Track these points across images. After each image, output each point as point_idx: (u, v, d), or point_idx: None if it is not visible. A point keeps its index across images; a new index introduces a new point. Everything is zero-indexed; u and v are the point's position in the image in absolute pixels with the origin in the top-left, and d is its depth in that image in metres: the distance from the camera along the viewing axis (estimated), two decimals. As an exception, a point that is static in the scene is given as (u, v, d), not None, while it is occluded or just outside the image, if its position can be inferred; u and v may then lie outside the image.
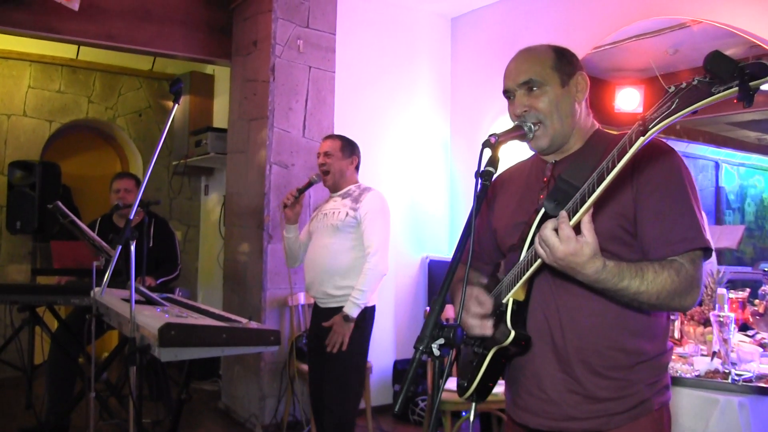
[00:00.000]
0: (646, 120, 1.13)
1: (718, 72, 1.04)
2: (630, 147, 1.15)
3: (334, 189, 3.43)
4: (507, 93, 1.63)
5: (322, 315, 3.30)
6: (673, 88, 1.12)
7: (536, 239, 1.34)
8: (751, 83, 1.01)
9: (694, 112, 1.09)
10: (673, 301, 1.40)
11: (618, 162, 1.18)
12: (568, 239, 1.27)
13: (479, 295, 1.56)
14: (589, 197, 1.25)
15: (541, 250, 1.33)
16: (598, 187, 1.23)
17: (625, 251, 1.47)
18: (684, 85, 1.10)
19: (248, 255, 4.63)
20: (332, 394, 3.23)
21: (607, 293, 1.40)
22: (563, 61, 1.61)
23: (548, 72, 1.58)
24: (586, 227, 1.28)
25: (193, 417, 4.68)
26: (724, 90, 1.04)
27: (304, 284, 3.53)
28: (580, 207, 1.27)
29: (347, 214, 3.26)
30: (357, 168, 3.49)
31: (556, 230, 1.29)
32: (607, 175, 1.20)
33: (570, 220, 1.29)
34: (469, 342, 1.60)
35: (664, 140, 1.49)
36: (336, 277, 3.25)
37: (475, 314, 1.54)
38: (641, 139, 1.14)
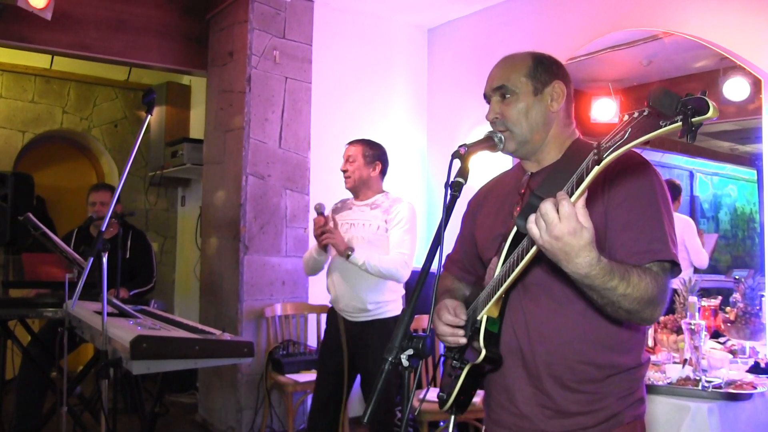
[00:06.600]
0: (601, 150, 1.10)
1: (662, 109, 1.04)
2: (586, 176, 1.13)
3: (356, 195, 3.35)
4: (486, 97, 1.66)
5: (354, 328, 3.23)
6: (627, 117, 1.10)
7: (530, 217, 1.21)
8: (693, 119, 1.00)
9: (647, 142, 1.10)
10: (647, 309, 1.33)
11: (575, 190, 1.16)
12: (568, 216, 1.15)
13: (456, 307, 1.56)
14: None
15: (534, 229, 1.20)
16: None
17: None
18: (636, 114, 1.09)
19: (224, 266, 4.60)
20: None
21: (593, 292, 1.29)
22: (540, 69, 1.60)
23: (521, 80, 1.58)
24: (582, 216, 1.18)
25: (170, 429, 4.62)
26: (669, 125, 1.03)
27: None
28: None
29: (378, 227, 3.20)
30: (383, 173, 3.36)
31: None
32: None
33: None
34: (449, 355, 1.59)
35: (640, 151, 1.48)
36: (369, 293, 3.18)
37: (447, 321, 1.54)
38: (596, 168, 1.12)
